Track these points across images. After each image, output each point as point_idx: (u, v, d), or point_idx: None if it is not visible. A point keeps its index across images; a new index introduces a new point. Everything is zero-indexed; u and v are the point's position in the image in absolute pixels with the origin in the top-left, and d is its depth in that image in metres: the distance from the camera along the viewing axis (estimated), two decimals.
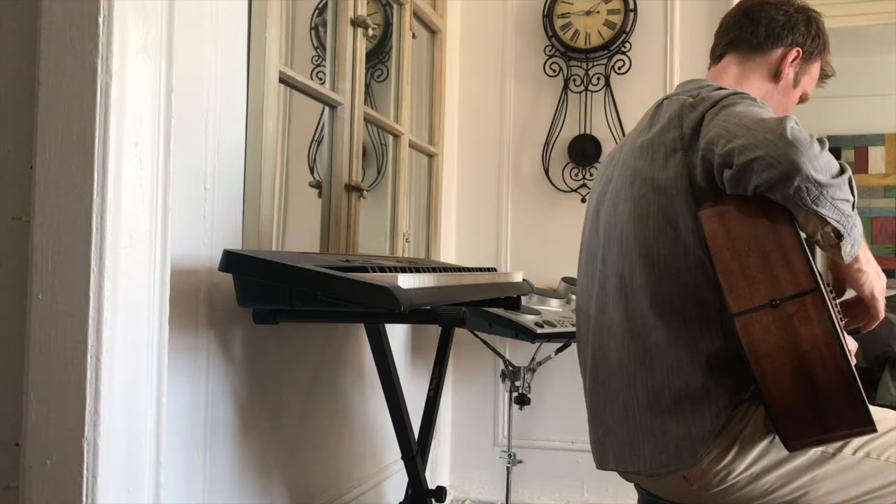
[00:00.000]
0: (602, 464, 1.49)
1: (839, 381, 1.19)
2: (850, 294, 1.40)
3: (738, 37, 1.57)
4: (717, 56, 1.62)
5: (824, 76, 1.63)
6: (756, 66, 1.55)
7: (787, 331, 1.19)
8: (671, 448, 1.33)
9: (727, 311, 1.24)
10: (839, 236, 1.22)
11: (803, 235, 1.25)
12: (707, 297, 1.32)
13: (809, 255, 1.21)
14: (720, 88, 1.39)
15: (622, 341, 1.40)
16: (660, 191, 1.35)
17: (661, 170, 1.35)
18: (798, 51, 1.54)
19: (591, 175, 2.95)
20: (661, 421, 1.34)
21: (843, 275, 1.36)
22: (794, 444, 1.24)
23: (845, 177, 1.19)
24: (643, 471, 1.38)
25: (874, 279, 1.34)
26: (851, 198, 1.20)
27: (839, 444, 1.32)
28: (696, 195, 1.31)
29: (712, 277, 1.30)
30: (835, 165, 1.19)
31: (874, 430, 1.22)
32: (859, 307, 1.41)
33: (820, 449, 1.32)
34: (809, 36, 1.55)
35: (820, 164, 1.16)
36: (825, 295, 1.20)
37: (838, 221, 1.20)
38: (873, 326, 1.38)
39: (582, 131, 2.95)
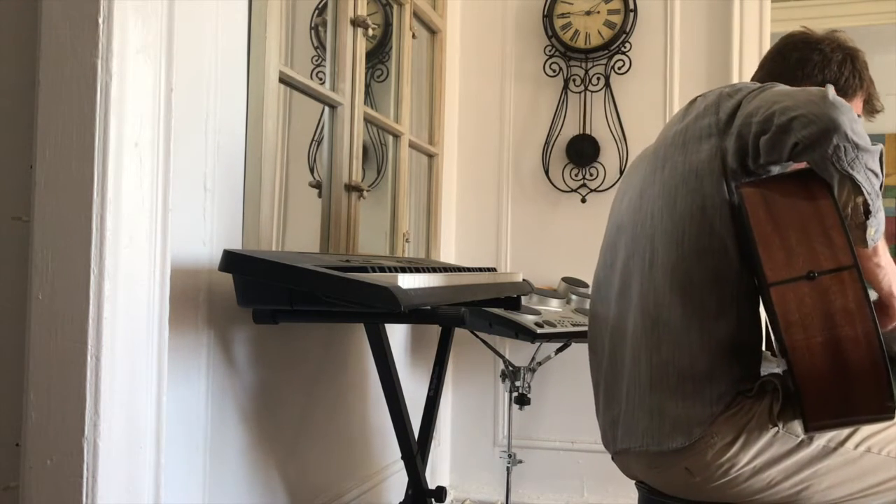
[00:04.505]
0: (610, 446, 1.50)
1: (869, 358, 1.18)
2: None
3: (770, 73, 1.58)
4: None
5: (872, 111, 1.62)
6: None
7: (821, 303, 1.19)
8: (666, 426, 1.34)
9: (743, 291, 1.23)
10: (867, 214, 1.22)
11: None
12: (727, 278, 1.33)
13: (849, 234, 1.21)
14: None
15: (634, 320, 1.41)
16: (690, 172, 1.36)
17: (694, 153, 1.37)
18: None
19: (590, 175, 2.95)
20: (660, 399, 1.35)
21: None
22: (814, 424, 1.23)
23: (878, 148, 1.20)
24: (635, 447, 1.39)
25: (892, 276, 1.33)
26: (881, 175, 1.21)
27: (841, 438, 1.32)
28: (727, 177, 1.33)
29: (734, 259, 1.32)
30: (868, 138, 1.20)
31: (892, 416, 1.21)
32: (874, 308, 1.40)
33: (822, 442, 1.32)
34: (842, 76, 1.55)
35: (858, 129, 1.18)
36: (862, 273, 1.19)
37: (869, 194, 1.21)
38: (888, 329, 1.36)
39: (582, 131, 2.95)
